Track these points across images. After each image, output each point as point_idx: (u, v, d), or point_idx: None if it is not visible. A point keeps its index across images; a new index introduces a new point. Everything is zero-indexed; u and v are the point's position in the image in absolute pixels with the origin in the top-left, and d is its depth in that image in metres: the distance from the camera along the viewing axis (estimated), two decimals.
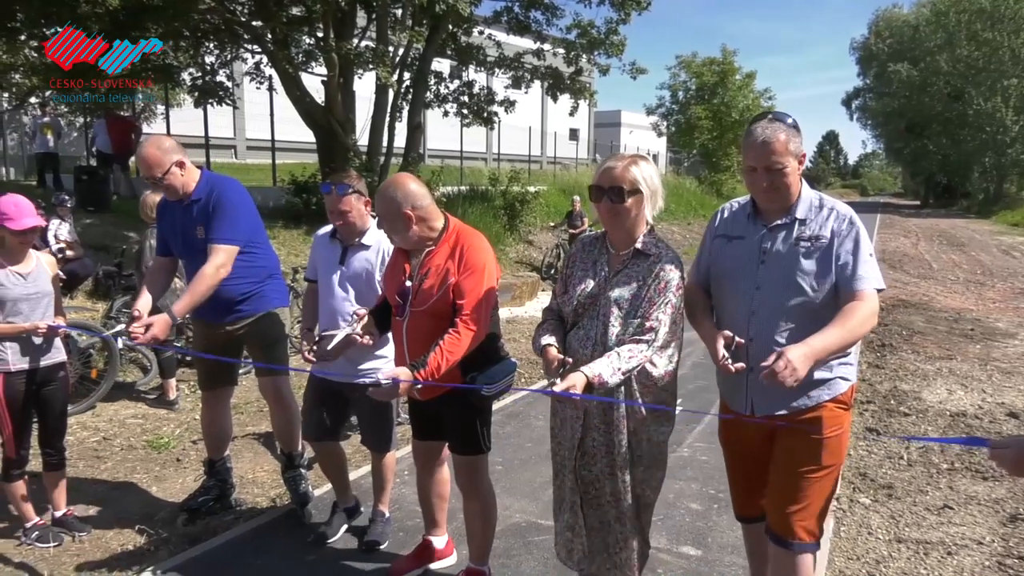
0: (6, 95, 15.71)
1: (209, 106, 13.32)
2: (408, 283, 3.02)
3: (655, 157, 41.15)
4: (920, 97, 44.89)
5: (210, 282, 3.67)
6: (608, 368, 2.44)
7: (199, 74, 13.16)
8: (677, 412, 2.82)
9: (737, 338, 2.42)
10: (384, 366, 3.47)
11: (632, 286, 2.60)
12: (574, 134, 34.78)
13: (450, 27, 13.36)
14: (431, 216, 3.01)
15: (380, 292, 3.41)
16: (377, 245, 3.59)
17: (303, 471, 4.19)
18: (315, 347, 3.43)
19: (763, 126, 2.44)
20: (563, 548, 2.89)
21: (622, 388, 2.58)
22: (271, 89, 14.04)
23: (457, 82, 15.35)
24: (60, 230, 8.16)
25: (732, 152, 32.55)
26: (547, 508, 3.83)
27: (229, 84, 13.45)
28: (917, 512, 4.39)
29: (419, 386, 2.83)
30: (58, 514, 4.00)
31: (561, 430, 2.79)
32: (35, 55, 11.63)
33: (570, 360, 2.54)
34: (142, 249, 6.27)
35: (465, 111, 15.49)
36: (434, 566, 3.60)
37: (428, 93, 14.46)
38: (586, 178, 20.44)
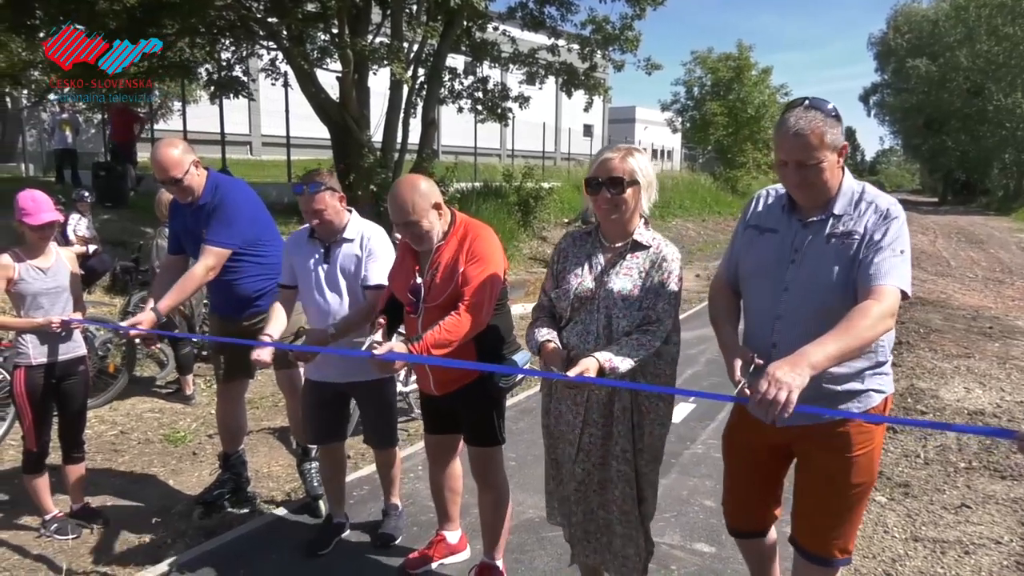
0: (25, 92, 15.86)
1: (225, 100, 13.38)
2: (420, 279, 3.03)
3: (669, 153, 41.03)
4: (939, 93, 44.39)
5: (197, 283, 3.74)
6: (618, 355, 2.43)
7: (215, 70, 13.23)
8: (689, 400, 2.79)
9: (757, 359, 2.15)
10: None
11: (634, 278, 2.58)
12: (588, 130, 34.67)
13: (465, 23, 13.33)
14: (446, 211, 3.04)
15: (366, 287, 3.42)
16: (360, 237, 3.53)
17: (318, 463, 4.21)
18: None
19: (798, 115, 2.17)
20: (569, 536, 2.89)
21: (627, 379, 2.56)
22: (286, 85, 14.08)
23: (471, 78, 15.32)
24: (79, 226, 8.23)
25: (747, 148, 32.35)
26: None
27: (245, 79, 13.50)
28: (934, 511, 4.35)
29: (415, 361, 2.80)
30: (76, 507, 4.05)
31: (556, 427, 2.77)
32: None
33: (573, 353, 2.51)
34: (150, 248, 6.35)
35: (479, 107, 15.46)
36: (448, 561, 3.61)
37: (442, 89, 14.43)
38: None
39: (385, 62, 11.94)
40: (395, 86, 12.80)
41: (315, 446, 4.17)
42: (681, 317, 2.58)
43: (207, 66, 13.27)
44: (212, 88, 13.07)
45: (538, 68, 15.44)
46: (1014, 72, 40.90)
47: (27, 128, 16.83)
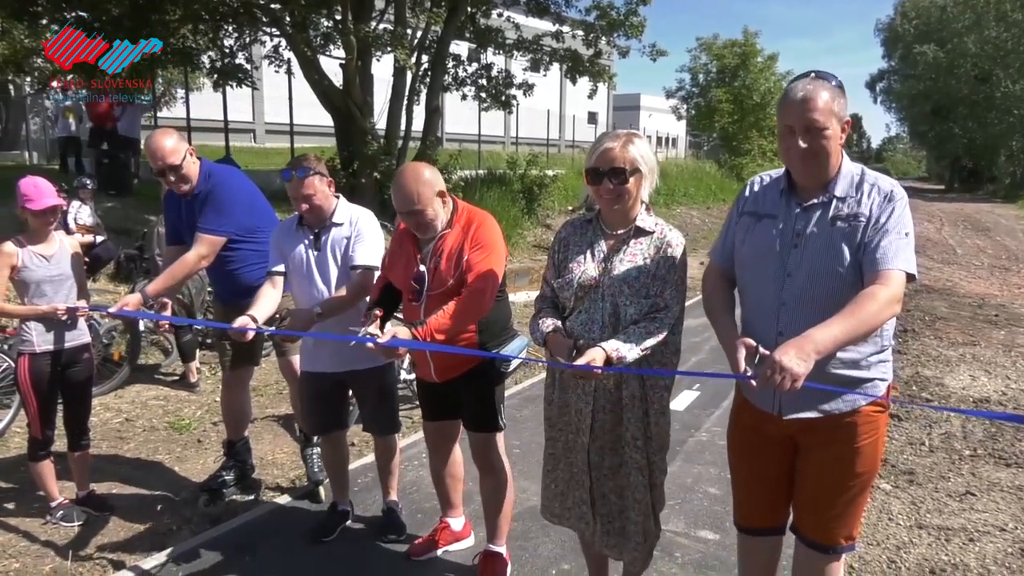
0: (28, 79, 15.81)
1: (228, 88, 13.34)
2: (422, 267, 3.02)
3: (674, 141, 40.83)
4: (946, 79, 44.02)
5: (189, 269, 3.74)
6: (626, 344, 2.40)
7: (218, 57, 13.18)
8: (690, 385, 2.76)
9: (762, 349, 2.08)
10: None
11: (639, 264, 2.55)
12: (593, 117, 34.55)
13: (469, 9, 13.27)
14: (449, 199, 3.03)
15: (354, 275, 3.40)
16: (349, 221, 3.50)
17: (320, 449, 4.21)
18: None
19: (804, 83, 2.17)
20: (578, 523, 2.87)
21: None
22: (289, 72, 14.03)
23: (475, 65, 15.25)
24: (80, 213, 8.23)
25: (753, 136, 32.16)
26: None
27: (248, 67, 13.45)
28: (939, 498, 4.34)
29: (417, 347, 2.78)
30: (82, 494, 4.07)
31: (560, 417, 2.75)
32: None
33: (581, 342, 2.48)
34: (151, 235, 6.35)
35: (483, 94, 15.39)
36: (452, 547, 3.62)
37: (446, 76, 14.37)
38: None
39: (388, 48, 11.90)
40: (399, 73, 12.75)
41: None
42: (688, 304, 2.55)
43: (210, 53, 13.21)
44: (215, 76, 13.02)
45: (542, 55, 15.36)
46: (1023, 58, 40.53)
47: (30, 116, 16.80)
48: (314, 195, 3.38)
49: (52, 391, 3.81)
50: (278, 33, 12.67)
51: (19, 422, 5.07)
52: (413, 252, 3.06)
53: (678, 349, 2.65)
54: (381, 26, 13.14)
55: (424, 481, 4.28)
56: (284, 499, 4.29)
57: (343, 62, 12.27)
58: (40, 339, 3.71)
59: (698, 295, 10.14)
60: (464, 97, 15.49)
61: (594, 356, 2.35)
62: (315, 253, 3.48)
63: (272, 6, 11.98)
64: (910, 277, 2.14)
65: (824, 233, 2.21)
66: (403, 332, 2.75)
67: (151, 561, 3.57)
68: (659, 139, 38.78)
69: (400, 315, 3.32)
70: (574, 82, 16.08)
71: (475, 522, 3.72)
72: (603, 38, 15.08)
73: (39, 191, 3.60)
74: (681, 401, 5.96)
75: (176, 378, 6.65)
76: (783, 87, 32.19)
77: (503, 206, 14.33)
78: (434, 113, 13.78)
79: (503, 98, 15.36)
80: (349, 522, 3.90)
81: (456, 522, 3.65)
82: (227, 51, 13.26)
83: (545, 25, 15.59)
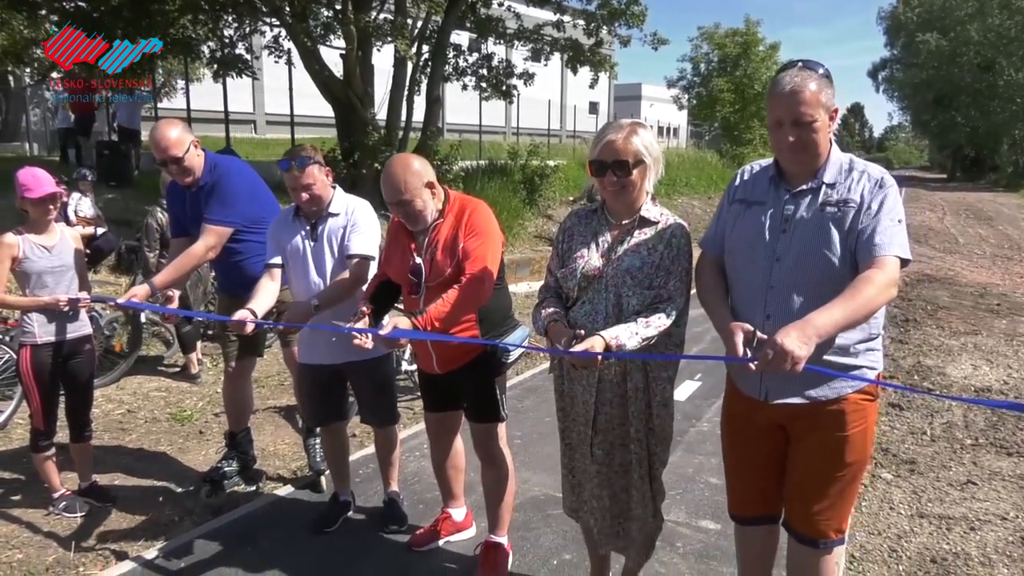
0: (28, 70, 15.76)
1: (228, 79, 13.31)
2: (419, 260, 3.01)
3: (675, 131, 40.70)
4: (949, 68, 43.77)
5: (196, 260, 3.72)
6: (626, 332, 2.38)
7: (218, 47, 13.14)
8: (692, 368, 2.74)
9: (759, 333, 2.10)
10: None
11: (642, 254, 2.53)
12: (594, 107, 34.40)
13: None
14: (439, 189, 3.02)
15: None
16: (345, 211, 3.48)
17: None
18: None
19: (792, 75, 2.17)
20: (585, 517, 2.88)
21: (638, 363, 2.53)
22: (290, 63, 13.99)
23: (476, 55, 15.19)
24: (80, 205, 8.22)
25: (754, 125, 32.03)
26: None
27: (248, 57, 13.41)
28: (940, 487, 4.35)
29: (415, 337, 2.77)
30: (84, 485, 4.08)
31: (572, 408, 2.75)
32: (56, 29, 11.64)
33: (582, 332, 2.44)
34: (149, 227, 6.34)
35: (484, 84, 15.34)
36: (453, 538, 3.62)
37: (447, 66, 14.33)
38: None
39: (389, 39, 11.86)
40: (399, 63, 12.71)
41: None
42: (691, 293, 2.54)
43: (210, 43, 13.17)
44: (215, 66, 12.98)
45: (543, 44, 15.30)
46: None
47: (30, 107, 16.76)
48: (314, 184, 3.37)
49: (54, 382, 3.81)
50: (278, 23, 12.62)
51: (21, 414, 5.08)
52: (408, 245, 3.05)
53: (682, 341, 2.63)
54: (381, 16, 13.08)
55: (425, 472, 4.28)
56: (286, 490, 4.29)
57: (343, 52, 12.23)
58: (42, 330, 3.71)
59: None
60: (465, 87, 15.44)
61: (593, 343, 2.33)
62: (312, 244, 3.47)
63: None
64: (904, 262, 2.17)
65: (813, 218, 2.23)
66: (403, 323, 2.74)
67: (153, 552, 3.58)
68: (660, 129, 38.63)
69: (400, 306, 3.31)
70: (575, 72, 16.03)
71: (476, 513, 3.72)
72: (604, 27, 15.00)
73: (37, 180, 3.59)
74: (683, 391, 5.96)
75: (177, 369, 6.66)
76: None
77: (504, 196, 14.30)
78: (435, 103, 13.74)
79: (504, 88, 15.32)
80: (351, 513, 3.90)
81: (457, 513, 3.66)
82: (227, 41, 13.22)
83: (546, 14, 15.52)
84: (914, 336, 8.02)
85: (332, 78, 12.47)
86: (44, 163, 11.35)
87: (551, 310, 2.62)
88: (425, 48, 13.69)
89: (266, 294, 3.39)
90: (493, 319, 3.10)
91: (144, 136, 12.86)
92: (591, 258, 2.58)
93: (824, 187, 2.25)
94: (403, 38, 11.54)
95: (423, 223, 2.98)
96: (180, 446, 5.00)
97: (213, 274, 6.05)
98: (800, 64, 2.21)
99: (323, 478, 4.26)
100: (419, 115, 13.77)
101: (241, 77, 13.22)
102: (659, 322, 2.44)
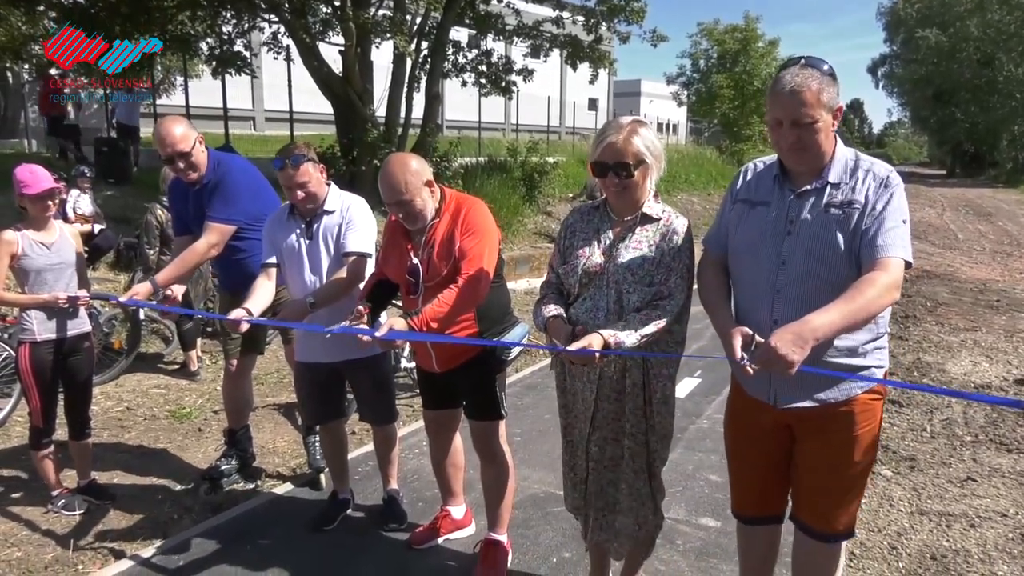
0: (26, 67, 15.72)
1: (227, 76, 13.28)
2: (416, 260, 3.00)
3: (675, 127, 40.67)
4: (948, 63, 43.72)
5: (199, 258, 3.72)
6: (625, 330, 2.37)
7: (216, 44, 13.11)
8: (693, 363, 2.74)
9: (758, 337, 2.06)
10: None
11: (644, 251, 2.52)
12: (593, 104, 34.36)
13: None
14: (436, 188, 3.02)
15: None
16: (340, 208, 3.47)
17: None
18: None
19: (793, 73, 2.10)
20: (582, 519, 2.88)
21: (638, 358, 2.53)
22: (289, 59, 13.96)
23: (475, 51, 15.16)
24: (79, 202, 8.21)
25: (754, 121, 32.01)
26: None
27: (247, 54, 13.38)
28: (940, 484, 4.34)
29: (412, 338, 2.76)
30: (83, 482, 4.07)
31: (574, 404, 2.74)
32: (55, 26, 11.60)
33: (581, 328, 2.45)
34: (148, 224, 6.33)
35: (483, 81, 15.32)
36: (453, 536, 3.62)
37: (446, 63, 14.30)
38: None
39: (388, 35, 11.84)
40: (398, 60, 12.68)
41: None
42: (693, 289, 2.54)
43: (208, 40, 13.13)
44: (214, 63, 12.95)
45: (542, 41, 15.28)
46: None
47: (29, 103, 16.73)
48: (309, 182, 3.36)
49: (53, 380, 3.80)
50: (277, 20, 12.59)
51: (20, 411, 5.08)
52: (406, 245, 3.04)
53: (683, 339, 2.63)
54: (380, 12, 13.06)
55: (425, 469, 4.28)
56: (285, 488, 4.29)
57: (342, 49, 12.20)
58: (41, 328, 3.70)
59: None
60: (464, 84, 15.42)
61: (591, 341, 2.32)
62: (307, 242, 3.46)
63: None
64: (907, 264, 2.12)
65: (818, 220, 2.18)
66: (400, 323, 2.73)
67: (152, 549, 3.57)
68: (660, 125, 38.65)
69: (399, 303, 3.31)
70: (574, 68, 16.00)
71: (476, 510, 3.72)
72: (603, 23, 14.98)
73: (35, 176, 3.58)
74: (682, 388, 5.96)
75: (177, 367, 6.66)
76: None
77: (503, 193, 14.29)
78: (434, 100, 13.71)
79: (503, 84, 15.29)
80: (350, 511, 3.90)
81: (457, 510, 3.65)
82: (225, 38, 13.19)
83: (545, 11, 15.49)
84: (914, 332, 8.02)
85: (331, 75, 12.45)
86: (42, 159, 11.33)
87: (551, 307, 2.61)
88: (424, 44, 13.66)
89: (262, 293, 3.39)
90: (492, 316, 3.09)
91: (143, 133, 12.86)
92: (593, 255, 2.58)
93: (828, 187, 2.19)
94: (402, 34, 11.52)
95: (422, 222, 2.98)
96: (179, 444, 4.99)
97: (213, 271, 6.04)
98: (803, 61, 2.15)
99: (322, 476, 4.25)
100: (418, 112, 13.75)
101: (240, 74, 13.19)
102: (659, 319, 2.43)
